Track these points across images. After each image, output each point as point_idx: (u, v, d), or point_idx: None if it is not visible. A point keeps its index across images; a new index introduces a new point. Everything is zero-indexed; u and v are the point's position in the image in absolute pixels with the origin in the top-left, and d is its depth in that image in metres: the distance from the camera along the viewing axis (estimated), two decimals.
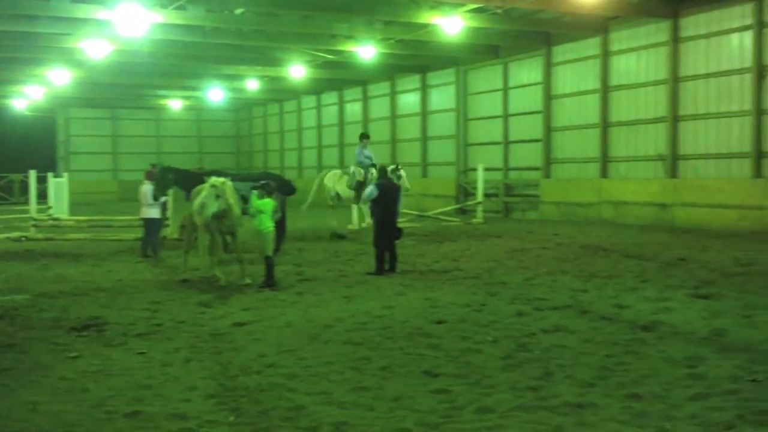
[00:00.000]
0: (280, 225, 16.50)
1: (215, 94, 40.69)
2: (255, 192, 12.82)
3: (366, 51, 26.03)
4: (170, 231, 19.22)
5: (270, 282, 12.36)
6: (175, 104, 47.61)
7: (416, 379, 6.94)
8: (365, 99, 38.18)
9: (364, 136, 21.88)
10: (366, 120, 38.08)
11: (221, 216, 12.42)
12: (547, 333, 8.71)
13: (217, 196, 12.16)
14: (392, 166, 19.91)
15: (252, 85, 36.66)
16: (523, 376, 6.97)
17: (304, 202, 22.29)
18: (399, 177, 19.36)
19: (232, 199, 12.65)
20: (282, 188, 16.81)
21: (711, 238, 17.91)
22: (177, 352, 8.26)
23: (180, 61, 31.05)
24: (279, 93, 42.20)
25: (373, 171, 19.08)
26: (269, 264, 12.47)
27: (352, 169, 21.06)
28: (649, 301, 10.44)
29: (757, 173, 19.39)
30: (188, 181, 16.96)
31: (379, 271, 13.74)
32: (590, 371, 7.06)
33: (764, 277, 12.10)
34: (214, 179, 12.54)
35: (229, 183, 12.84)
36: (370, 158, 20.77)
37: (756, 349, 7.67)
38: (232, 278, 12.90)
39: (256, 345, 8.42)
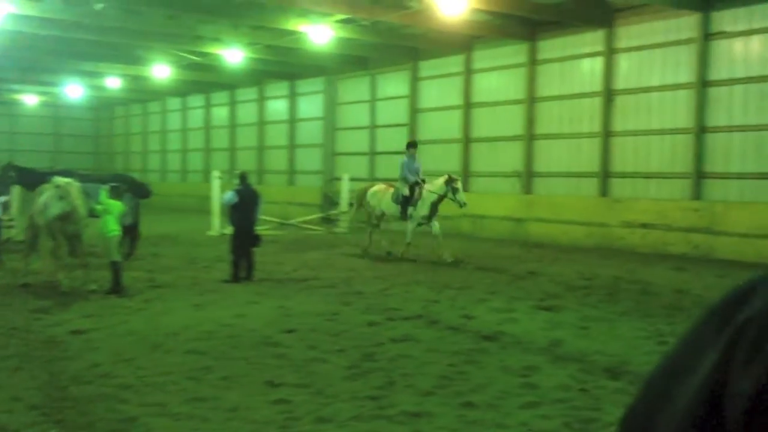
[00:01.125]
0: (133, 229, 15.95)
1: (73, 91, 38.84)
2: (104, 188, 12.31)
3: (233, 55, 25.63)
4: (15, 233, 18.14)
5: (116, 288, 11.87)
6: (30, 100, 45.12)
7: (257, 389, 6.82)
8: (233, 104, 37.60)
9: (411, 145, 17.61)
10: (233, 125, 37.52)
11: (65, 218, 11.82)
12: (395, 342, 8.80)
13: (61, 197, 11.59)
14: (445, 177, 16.53)
15: (113, 83, 35.27)
16: (366, 385, 6.99)
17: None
18: (456, 190, 16.20)
19: (79, 200, 12.07)
20: (136, 191, 16.25)
21: (560, 252, 18.72)
22: (6, 360, 7.77)
23: (36, 55, 29.48)
24: (142, 93, 40.81)
25: (429, 187, 16.51)
26: (115, 269, 11.97)
27: (396, 184, 17.53)
28: (496, 312, 10.76)
29: (603, 192, 20.47)
30: (32, 180, 16.10)
31: (235, 278, 13.49)
32: (431, 380, 7.17)
33: (604, 291, 12.75)
34: (57, 179, 11.94)
35: (76, 184, 12.26)
36: (417, 172, 16.94)
37: (588, 360, 8.03)
38: (77, 284, 12.30)
39: (92, 354, 8.04)
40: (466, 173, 24.78)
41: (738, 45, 17.66)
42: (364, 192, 18.44)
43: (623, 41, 20.05)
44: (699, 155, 18.31)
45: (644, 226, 18.96)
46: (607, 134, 20.41)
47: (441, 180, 16.49)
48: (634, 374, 7.44)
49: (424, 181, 16.77)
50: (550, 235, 21.20)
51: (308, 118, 32.51)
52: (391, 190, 17.43)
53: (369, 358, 8.02)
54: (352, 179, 26.81)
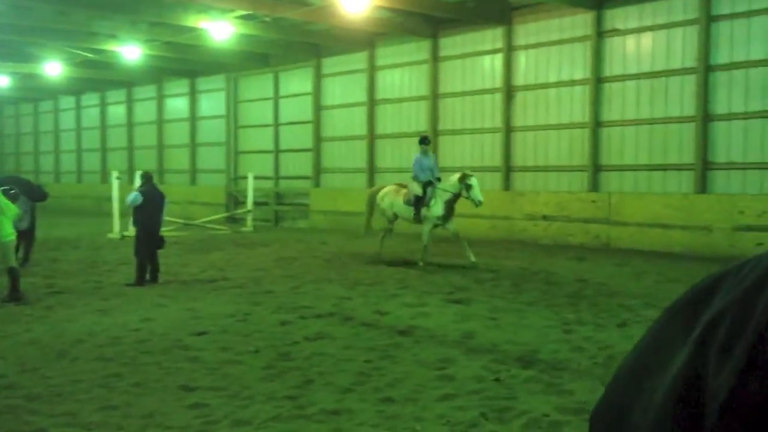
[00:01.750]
0: (29, 234, 15.31)
1: None
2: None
3: (130, 51, 24.89)
4: None
5: (15, 295, 11.36)
6: None
7: (171, 395, 6.67)
8: (130, 102, 36.53)
9: (422, 140, 16.01)
10: (131, 124, 36.47)
11: None
12: (309, 341, 8.77)
13: None
14: (459, 174, 15.08)
15: (2, 81, 33.68)
16: (283, 385, 6.94)
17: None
18: (469, 187, 14.66)
19: None
20: (32, 194, 15.59)
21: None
22: None
23: None
24: (34, 92, 39.11)
25: (442, 186, 15.21)
26: (13, 276, 11.45)
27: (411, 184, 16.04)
28: (408, 306, 10.88)
29: (506, 186, 20.98)
30: None
31: (140, 281, 13.14)
32: (348, 377, 7.19)
33: (510, 282, 13.08)
34: None
35: None
36: (431, 170, 15.55)
37: (499, 350, 8.23)
38: None
39: None
40: (372, 170, 24.92)
41: (630, 42, 18.41)
42: (375, 194, 17.08)
43: (521, 39, 20.58)
44: (595, 148, 19.01)
45: (546, 218, 19.56)
46: (508, 129, 20.92)
47: (455, 177, 15.09)
48: (545, 362, 7.67)
49: (439, 179, 15.44)
50: (458, 228, 21.50)
51: (210, 116, 31.95)
52: (404, 191, 16.03)
53: (284, 358, 7.97)
54: (257, 177, 26.63)
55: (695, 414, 0.69)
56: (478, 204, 14.73)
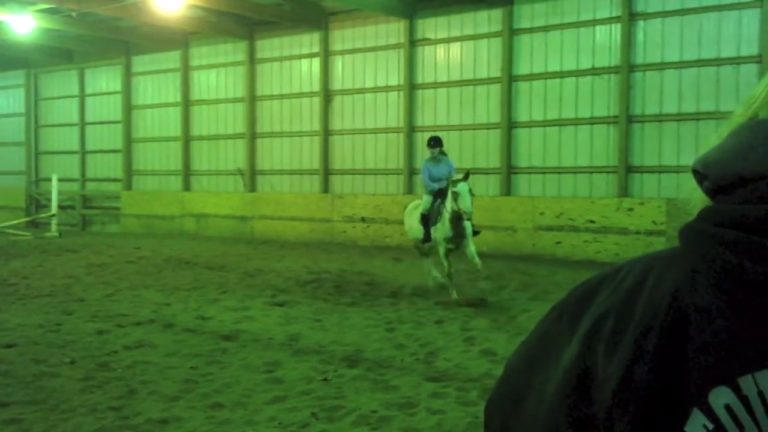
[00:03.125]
0: None
1: None
2: None
3: None
4: None
5: None
6: None
7: None
8: None
9: (431, 142, 12.24)
10: None
11: None
12: (129, 349, 8.48)
13: None
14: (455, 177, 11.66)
15: None
16: (105, 396, 6.69)
17: None
18: (456, 195, 11.13)
19: None
20: None
21: (286, 248, 19.13)
22: None
23: None
24: None
25: (458, 199, 11.12)
26: None
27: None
28: (231, 311, 10.79)
29: (325, 188, 21.26)
30: None
31: None
32: (174, 385, 7.05)
33: (332, 284, 13.29)
34: None
35: None
36: (440, 179, 12.00)
37: (326, 351, 8.38)
38: None
39: None
40: (187, 172, 24.35)
41: (441, 51, 19.28)
42: (406, 209, 13.74)
43: (338, 44, 20.95)
44: (410, 152, 19.71)
45: (364, 220, 20.03)
46: (326, 133, 21.20)
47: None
48: (370, 361, 7.92)
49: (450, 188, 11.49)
50: (276, 231, 21.58)
51: (7, 114, 29.77)
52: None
53: (104, 368, 7.67)
54: (62, 180, 25.15)
55: (586, 403, 0.78)
56: (465, 215, 11.21)
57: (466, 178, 11.35)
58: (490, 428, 0.92)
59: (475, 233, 11.90)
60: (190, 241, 21.33)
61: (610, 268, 0.87)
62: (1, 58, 27.47)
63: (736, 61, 15.09)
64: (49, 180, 24.97)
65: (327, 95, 21.14)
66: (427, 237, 12.19)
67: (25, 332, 9.33)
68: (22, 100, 29.09)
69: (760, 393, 0.67)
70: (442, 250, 11.80)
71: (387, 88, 20.15)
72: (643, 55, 16.25)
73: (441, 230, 11.68)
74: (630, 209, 16.13)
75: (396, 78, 19.93)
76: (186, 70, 24.22)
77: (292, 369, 7.58)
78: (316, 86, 21.33)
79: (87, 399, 6.60)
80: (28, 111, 28.89)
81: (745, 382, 0.67)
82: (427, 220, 12.17)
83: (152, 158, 25.49)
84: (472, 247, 11.70)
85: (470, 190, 11.24)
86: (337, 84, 21.07)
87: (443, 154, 12.37)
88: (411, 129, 19.69)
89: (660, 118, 16.07)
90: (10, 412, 6.22)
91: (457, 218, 11.34)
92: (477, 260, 11.55)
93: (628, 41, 16.28)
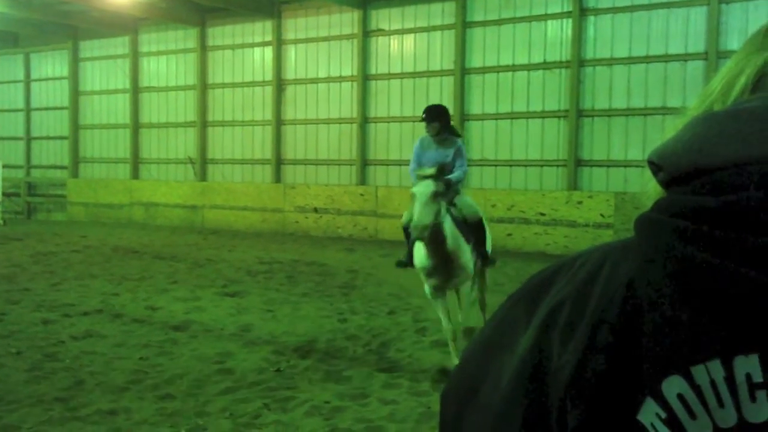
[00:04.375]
0: None
1: None
2: None
3: None
4: None
5: None
6: None
7: None
8: None
9: (425, 116, 7.77)
10: None
11: None
12: (76, 340, 8.34)
13: None
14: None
15: None
16: (52, 387, 6.57)
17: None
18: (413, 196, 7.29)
19: None
20: None
21: (237, 238, 18.97)
22: None
23: None
24: None
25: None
26: None
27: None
28: (181, 301, 10.67)
29: (277, 178, 21.12)
30: None
31: None
32: (123, 375, 6.96)
33: (284, 274, 13.23)
34: None
35: None
36: (430, 162, 7.61)
37: (278, 341, 8.35)
38: None
39: None
40: (137, 160, 23.95)
41: (394, 42, 19.27)
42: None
43: (291, 33, 20.79)
44: (363, 143, 19.70)
45: (316, 210, 19.96)
46: (279, 122, 21.05)
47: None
48: (322, 351, 7.92)
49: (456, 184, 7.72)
50: (227, 221, 21.38)
51: None
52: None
53: (50, 359, 7.53)
54: (5, 166, 24.50)
55: (540, 392, 0.78)
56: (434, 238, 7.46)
57: (437, 175, 7.02)
58: (445, 417, 0.91)
59: (487, 263, 7.91)
60: (138, 231, 21.01)
61: (567, 258, 0.87)
62: None
63: (684, 57, 15.42)
64: None
65: (280, 84, 20.98)
66: (410, 259, 7.62)
67: None
68: None
69: (713, 382, 0.67)
70: (426, 289, 7.52)
71: (340, 79, 20.07)
72: (594, 51, 16.48)
73: (417, 255, 7.35)
74: (579, 202, 16.38)
75: (349, 68, 19.87)
76: (135, 57, 23.78)
77: (243, 360, 7.53)
78: (269, 75, 21.15)
79: (33, 390, 6.48)
80: None
81: (698, 372, 0.68)
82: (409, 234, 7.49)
83: (100, 145, 25.01)
84: (471, 289, 7.64)
85: (444, 195, 7.06)
86: (290, 73, 20.92)
87: (453, 134, 7.93)
88: (364, 120, 19.67)
89: (609, 112, 16.34)
90: None
91: (434, 238, 6.93)
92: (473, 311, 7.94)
93: (579, 36, 16.50)
